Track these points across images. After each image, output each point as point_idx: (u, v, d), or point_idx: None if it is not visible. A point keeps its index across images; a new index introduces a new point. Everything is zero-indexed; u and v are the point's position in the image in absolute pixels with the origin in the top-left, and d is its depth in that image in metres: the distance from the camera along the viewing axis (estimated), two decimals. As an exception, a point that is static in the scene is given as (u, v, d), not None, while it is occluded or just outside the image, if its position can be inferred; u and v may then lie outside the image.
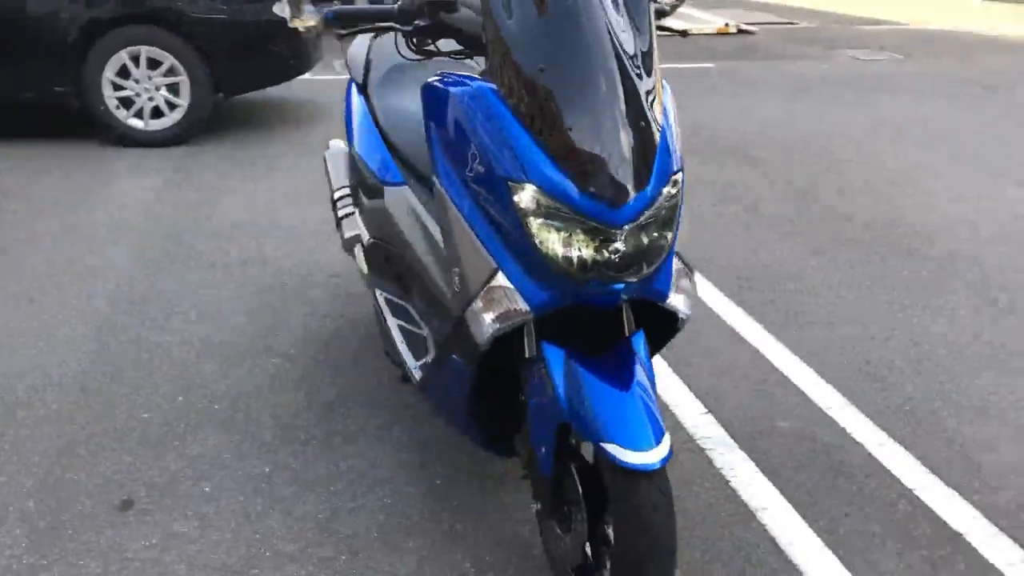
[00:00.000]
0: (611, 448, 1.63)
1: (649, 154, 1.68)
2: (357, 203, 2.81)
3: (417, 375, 2.25)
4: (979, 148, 6.00)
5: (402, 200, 2.38)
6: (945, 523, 2.28)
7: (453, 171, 1.85)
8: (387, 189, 2.44)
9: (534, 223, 1.67)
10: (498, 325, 1.77)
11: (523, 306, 1.75)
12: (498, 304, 1.76)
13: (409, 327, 2.42)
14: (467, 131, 1.79)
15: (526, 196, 1.67)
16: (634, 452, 1.62)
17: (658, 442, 1.65)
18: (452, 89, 1.85)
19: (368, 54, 2.89)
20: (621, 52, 1.70)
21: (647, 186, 1.67)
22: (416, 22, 2.02)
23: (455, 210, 1.84)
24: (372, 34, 2.96)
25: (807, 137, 6.16)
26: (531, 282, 1.74)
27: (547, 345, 1.77)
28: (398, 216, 2.36)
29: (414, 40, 2.09)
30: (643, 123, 1.68)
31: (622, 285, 1.72)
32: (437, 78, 1.95)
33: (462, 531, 2.22)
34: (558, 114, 1.67)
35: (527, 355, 1.81)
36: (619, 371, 1.74)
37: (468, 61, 2.44)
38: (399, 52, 2.20)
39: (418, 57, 2.14)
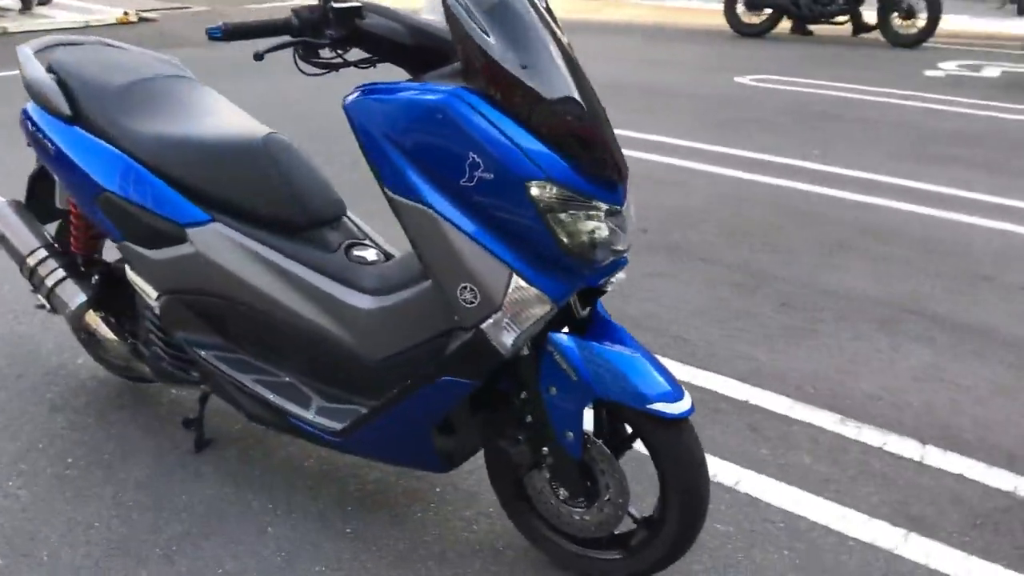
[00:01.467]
0: (657, 407, 1.84)
1: (615, 138, 1.85)
2: (68, 264, 2.54)
3: (322, 422, 2.13)
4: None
5: (219, 238, 2.17)
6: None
7: (440, 185, 1.80)
8: (191, 231, 2.19)
9: (552, 216, 1.74)
10: (526, 326, 1.82)
11: (546, 302, 1.82)
12: (522, 306, 1.81)
13: (270, 378, 2.25)
14: (464, 139, 1.74)
15: (544, 191, 1.73)
16: (675, 403, 1.86)
17: (681, 388, 1.91)
18: (433, 98, 1.77)
19: (63, 77, 2.41)
20: (568, 51, 1.82)
21: (624, 166, 1.86)
22: (329, 32, 1.87)
23: (448, 225, 1.80)
24: (40, 50, 2.51)
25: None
26: (546, 276, 1.81)
27: (553, 335, 1.88)
28: (220, 257, 2.16)
29: (317, 52, 1.92)
30: (603, 111, 1.85)
31: (624, 259, 1.91)
32: (379, 91, 1.83)
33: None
34: (551, 109, 1.74)
35: (526, 352, 1.88)
36: (620, 340, 1.93)
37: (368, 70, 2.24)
38: (298, 67, 1.95)
39: (319, 71, 1.96)
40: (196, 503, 2.35)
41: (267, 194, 2.19)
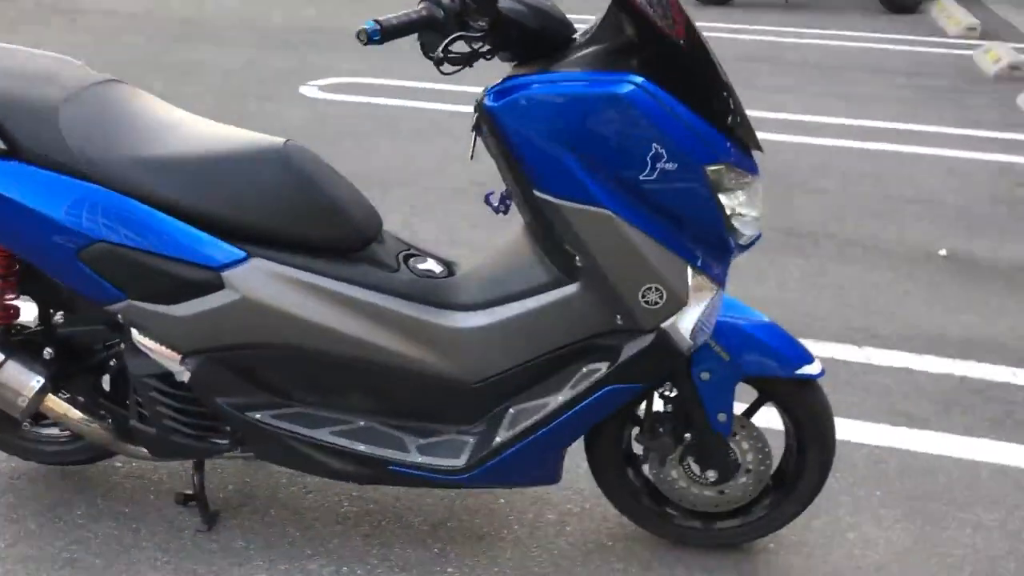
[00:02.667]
0: (803, 371, 1.92)
1: None
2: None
3: (436, 462, 1.91)
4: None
5: (264, 277, 1.83)
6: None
7: (616, 183, 1.69)
8: (229, 274, 1.82)
9: (724, 197, 1.74)
10: (703, 317, 1.79)
11: (713, 288, 1.81)
12: (698, 297, 1.78)
13: (347, 427, 1.95)
14: (648, 130, 1.66)
15: (717, 173, 1.72)
16: (812, 364, 1.94)
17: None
18: (616, 89, 1.65)
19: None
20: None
21: None
22: (477, 22, 1.63)
23: (628, 226, 1.71)
24: None
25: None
26: (710, 261, 1.80)
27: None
28: (270, 298, 1.83)
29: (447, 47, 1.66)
30: None
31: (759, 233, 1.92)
32: (535, 88, 1.68)
33: None
34: (711, 88, 1.74)
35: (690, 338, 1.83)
36: (747, 314, 1.96)
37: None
38: (439, 69, 1.70)
39: (455, 68, 1.71)
40: (253, 586, 1.99)
41: (307, 214, 1.85)
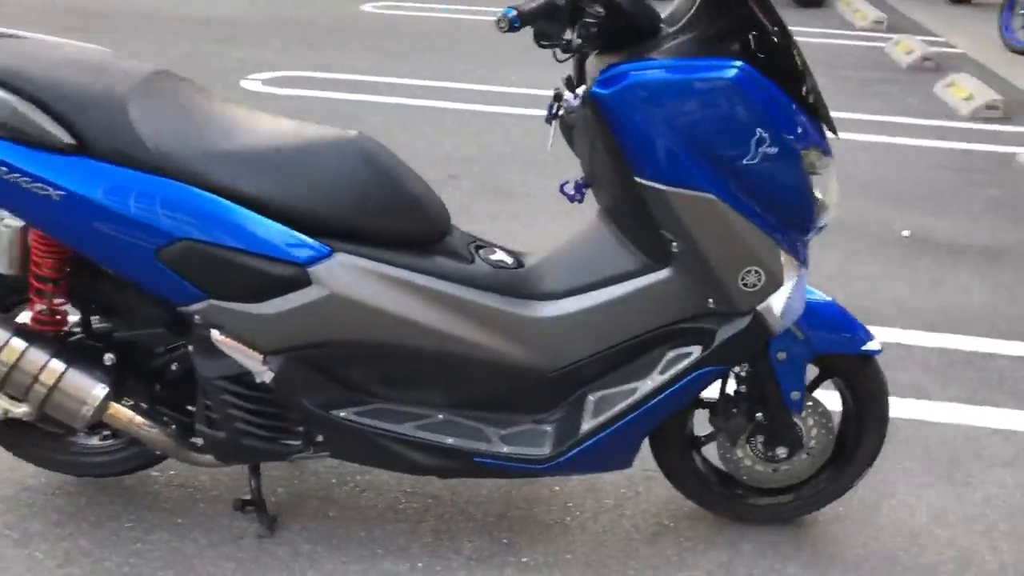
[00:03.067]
0: (868, 347, 2.01)
1: None
2: (61, 349, 1.89)
3: (522, 451, 1.92)
4: None
5: (351, 272, 1.80)
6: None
7: (718, 167, 1.73)
8: (315, 270, 1.78)
9: (815, 180, 1.81)
10: (793, 296, 1.84)
11: (799, 268, 1.87)
12: (790, 278, 1.84)
13: (429, 421, 1.94)
14: (754, 115, 1.71)
15: (812, 158, 1.79)
16: (874, 341, 2.03)
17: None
18: (725, 75, 1.69)
19: (27, 90, 1.72)
20: None
21: None
22: (595, 9, 1.65)
23: (730, 210, 1.76)
24: None
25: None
26: (795, 242, 1.86)
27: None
28: (358, 293, 1.80)
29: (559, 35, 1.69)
30: None
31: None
32: (645, 74, 1.70)
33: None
34: (802, 73, 1.81)
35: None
36: (812, 294, 2.02)
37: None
38: (556, 57, 1.75)
39: (566, 56, 1.74)
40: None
41: (387, 208, 1.83)
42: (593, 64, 1.80)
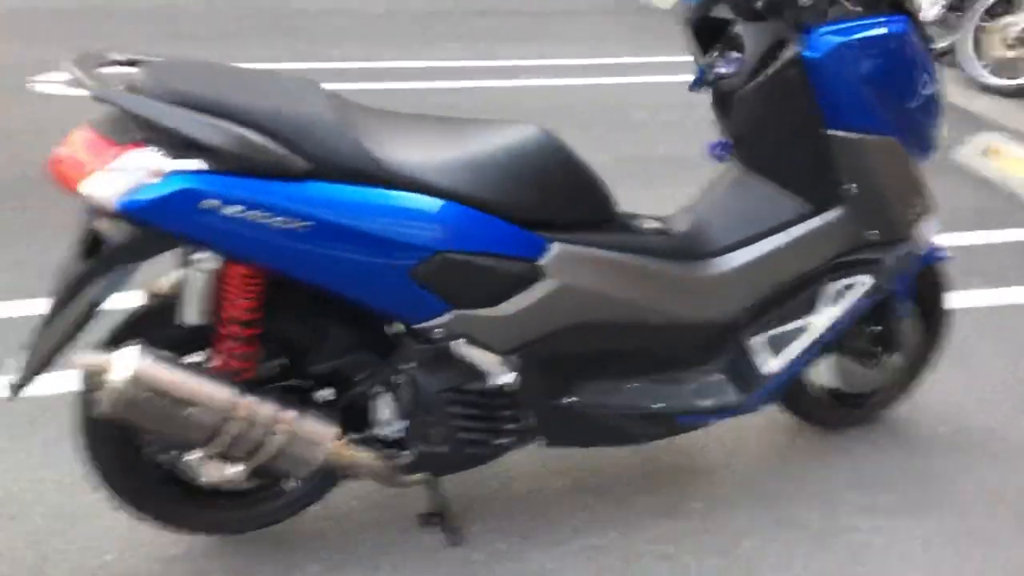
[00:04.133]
0: (944, 253, 2.28)
1: None
2: (284, 396, 1.75)
3: (715, 403, 2.03)
4: None
5: (571, 261, 1.82)
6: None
7: (895, 112, 1.93)
8: (544, 263, 1.79)
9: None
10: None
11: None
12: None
13: (633, 391, 2.00)
14: (920, 61, 1.93)
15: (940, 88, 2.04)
16: (946, 249, 2.32)
17: None
18: (897, 28, 1.89)
19: (237, 115, 1.55)
20: None
21: None
22: None
23: (903, 149, 1.97)
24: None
25: None
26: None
27: None
28: (580, 280, 1.83)
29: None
30: None
31: None
32: (843, 35, 1.86)
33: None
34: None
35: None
36: None
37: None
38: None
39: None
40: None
41: (579, 193, 1.85)
42: (750, 32, 1.93)
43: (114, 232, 1.58)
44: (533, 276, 1.76)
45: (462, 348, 1.75)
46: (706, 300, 1.99)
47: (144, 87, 1.53)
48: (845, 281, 2.04)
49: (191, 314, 1.64)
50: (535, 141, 1.78)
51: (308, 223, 1.54)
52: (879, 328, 2.26)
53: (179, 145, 1.50)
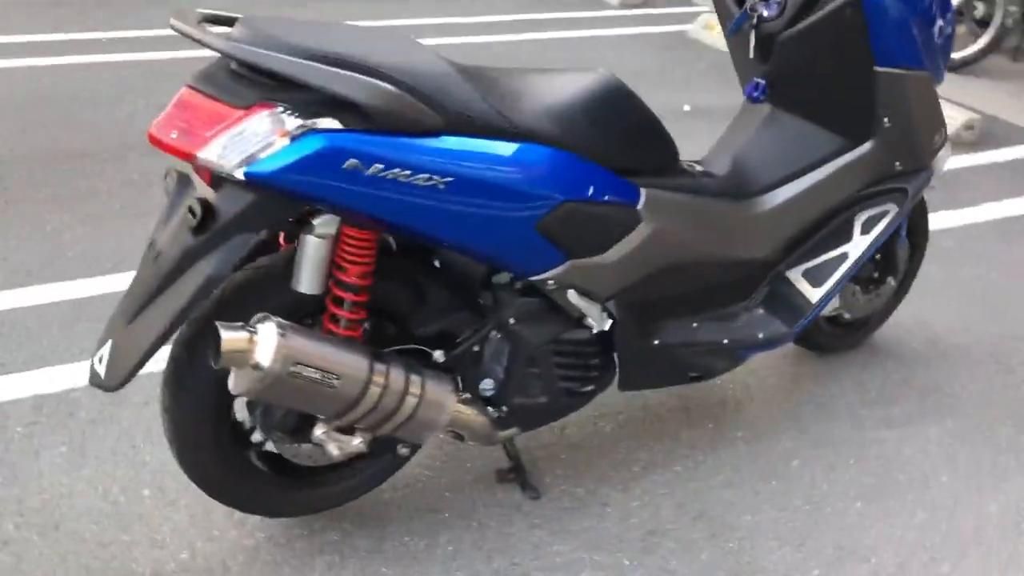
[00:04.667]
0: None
1: None
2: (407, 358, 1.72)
3: (768, 335, 2.13)
4: None
5: (659, 205, 1.86)
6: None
7: (925, 48, 2.07)
8: (640, 209, 1.83)
9: None
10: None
11: None
12: None
13: (699, 327, 2.08)
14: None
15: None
16: None
17: None
18: None
19: (368, 65, 1.47)
20: None
21: None
22: None
23: (934, 82, 2.13)
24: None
25: None
26: None
27: None
28: (669, 224, 1.89)
29: None
30: None
31: None
32: None
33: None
34: None
35: None
36: None
37: None
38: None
39: None
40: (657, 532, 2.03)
41: (655, 140, 1.90)
42: None
43: (228, 201, 1.47)
44: (634, 222, 1.79)
45: (572, 297, 1.76)
46: (754, 237, 2.09)
47: (259, 44, 1.43)
48: (874, 211, 2.19)
49: (309, 282, 1.56)
50: (616, 88, 1.79)
51: (448, 179, 1.50)
52: (881, 255, 2.43)
53: (310, 103, 1.42)
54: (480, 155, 1.54)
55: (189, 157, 1.43)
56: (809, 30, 2.01)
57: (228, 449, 1.72)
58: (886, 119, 2.09)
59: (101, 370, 1.54)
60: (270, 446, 1.77)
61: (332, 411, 1.59)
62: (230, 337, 1.45)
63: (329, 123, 1.42)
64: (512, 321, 1.76)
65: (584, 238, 1.73)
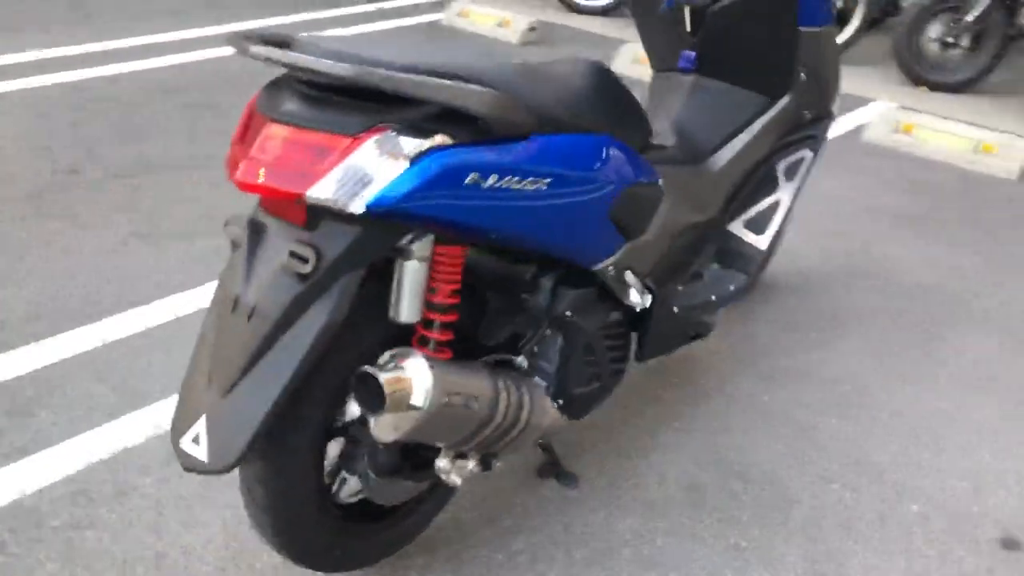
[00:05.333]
0: None
1: None
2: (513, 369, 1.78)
3: (735, 286, 2.31)
4: None
5: (666, 177, 1.94)
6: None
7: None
8: (662, 183, 1.90)
9: None
10: None
11: None
12: None
13: (691, 288, 2.24)
14: None
15: None
16: None
17: None
18: None
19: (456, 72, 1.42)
20: None
21: None
22: None
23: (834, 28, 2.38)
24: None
25: None
26: None
27: None
28: (674, 193, 2.00)
29: None
30: None
31: None
32: None
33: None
34: None
35: None
36: None
37: None
38: None
39: None
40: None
41: (643, 120, 1.98)
42: None
43: (330, 239, 1.36)
44: (660, 198, 1.86)
45: (628, 278, 1.80)
46: (708, 198, 2.23)
47: (363, 64, 1.32)
48: (792, 158, 2.42)
49: (410, 310, 1.47)
50: (612, 73, 1.84)
51: (548, 179, 1.48)
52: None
53: (415, 122, 1.34)
54: (569, 151, 1.53)
55: (294, 197, 1.30)
56: (742, 1, 2.18)
57: (328, 509, 1.59)
58: (803, 74, 2.33)
59: (200, 452, 1.36)
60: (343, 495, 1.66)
61: (466, 435, 1.52)
62: (391, 379, 1.34)
63: (442, 140, 1.35)
64: (568, 314, 1.77)
65: (637, 220, 1.78)
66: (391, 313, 1.48)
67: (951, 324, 2.82)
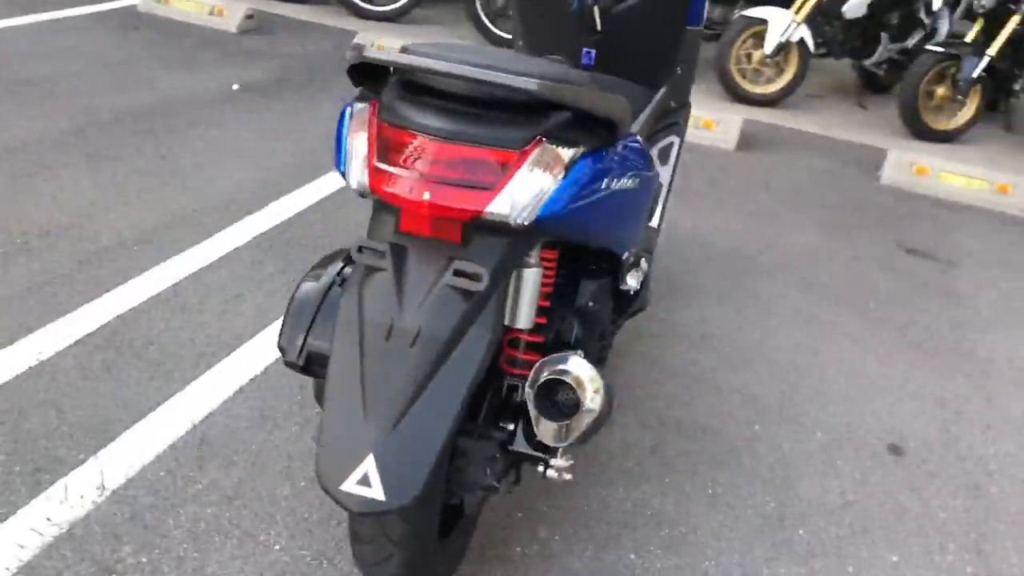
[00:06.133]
0: None
1: None
2: None
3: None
4: None
5: None
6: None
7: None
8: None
9: None
10: None
11: None
12: None
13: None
14: None
15: None
16: None
17: None
18: None
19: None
20: None
21: None
22: None
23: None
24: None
25: None
26: None
27: None
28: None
29: None
30: None
31: None
32: None
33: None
34: None
35: None
36: None
37: None
38: None
39: None
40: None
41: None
42: None
43: (484, 252, 1.33)
44: (661, 186, 1.99)
45: (643, 262, 1.91)
46: None
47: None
48: (662, 143, 2.66)
49: (527, 316, 1.47)
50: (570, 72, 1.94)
51: (637, 176, 1.55)
52: None
53: (556, 130, 1.35)
54: (639, 149, 1.62)
55: (471, 215, 1.26)
56: (644, 3, 2.36)
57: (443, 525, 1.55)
58: (679, 68, 2.57)
59: (373, 492, 1.28)
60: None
61: (586, 429, 1.55)
62: (580, 384, 1.34)
63: (583, 147, 1.38)
64: (591, 304, 1.85)
65: (654, 204, 1.89)
66: (507, 320, 1.47)
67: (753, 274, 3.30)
